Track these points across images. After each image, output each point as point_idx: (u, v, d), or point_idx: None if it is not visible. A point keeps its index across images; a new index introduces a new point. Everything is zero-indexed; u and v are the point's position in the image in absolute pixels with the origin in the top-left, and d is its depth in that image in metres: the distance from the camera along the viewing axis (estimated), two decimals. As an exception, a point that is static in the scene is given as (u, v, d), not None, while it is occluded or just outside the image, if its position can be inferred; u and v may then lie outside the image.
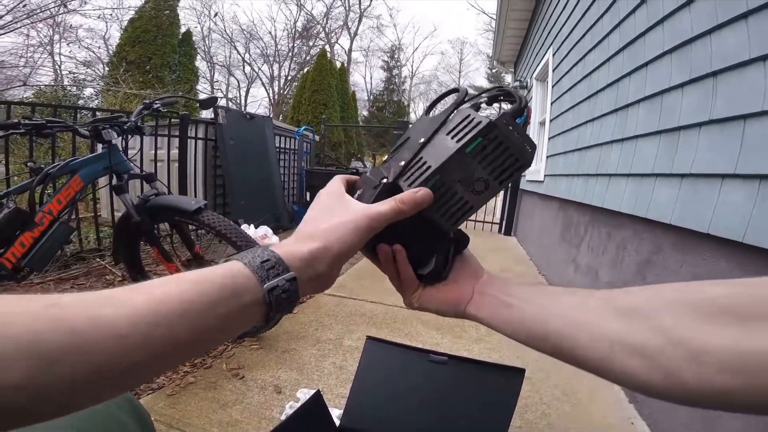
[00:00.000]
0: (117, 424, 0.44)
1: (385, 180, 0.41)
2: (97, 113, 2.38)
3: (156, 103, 1.72)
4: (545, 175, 3.44)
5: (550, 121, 3.55)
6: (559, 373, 1.50)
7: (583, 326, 0.34)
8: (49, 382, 0.22)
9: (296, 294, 0.33)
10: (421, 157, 0.41)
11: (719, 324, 0.27)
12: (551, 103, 3.56)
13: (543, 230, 3.41)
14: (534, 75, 4.52)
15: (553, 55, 3.52)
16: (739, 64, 1.04)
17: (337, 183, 0.43)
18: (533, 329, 0.38)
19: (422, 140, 0.41)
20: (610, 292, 0.35)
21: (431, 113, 0.47)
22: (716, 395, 0.27)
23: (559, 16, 3.32)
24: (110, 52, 11.80)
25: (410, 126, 0.48)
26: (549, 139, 3.51)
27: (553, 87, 3.55)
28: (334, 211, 0.38)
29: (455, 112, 0.42)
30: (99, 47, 14.49)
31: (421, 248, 0.44)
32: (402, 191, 0.40)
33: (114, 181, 1.61)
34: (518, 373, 0.88)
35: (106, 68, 10.25)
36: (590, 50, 2.41)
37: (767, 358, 0.25)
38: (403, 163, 0.41)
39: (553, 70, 3.52)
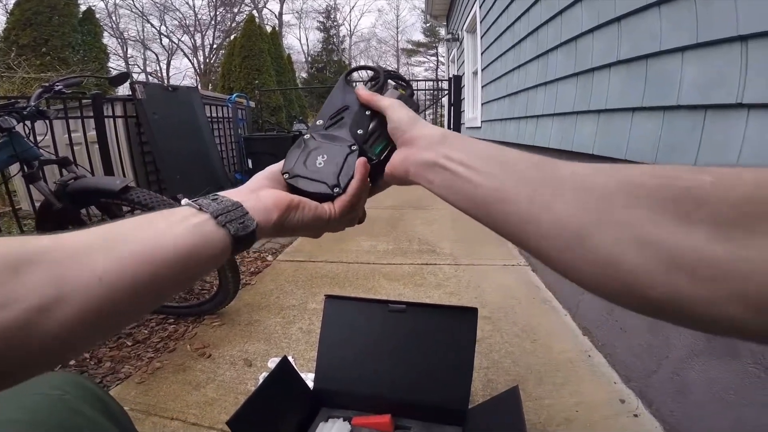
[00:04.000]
0: (80, 417, 0.43)
1: (354, 147, 0.47)
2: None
3: (58, 85, 1.56)
4: (482, 121, 3.57)
5: (482, 70, 3.65)
6: (516, 311, 1.62)
7: (546, 214, 0.28)
8: None
9: (235, 204, 0.35)
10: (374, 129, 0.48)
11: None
12: (481, 54, 3.66)
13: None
14: (464, 27, 4.58)
15: (480, 6, 3.58)
16: (639, 9, 1.11)
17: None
18: (485, 208, 0.33)
19: (368, 113, 0.49)
20: (572, 166, 0.30)
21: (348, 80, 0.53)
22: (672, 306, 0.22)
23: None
24: None
25: (336, 91, 0.52)
26: (482, 87, 3.62)
27: (481, 38, 3.63)
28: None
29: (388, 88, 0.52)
30: (-18, 33, 12.69)
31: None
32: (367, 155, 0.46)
33: (26, 171, 1.47)
34: (472, 313, 0.94)
35: None
36: (512, 1, 2.46)
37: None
38: (360, 131, 0.48)
39: (481, 22, 3.60)
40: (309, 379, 1.05)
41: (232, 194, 0.37)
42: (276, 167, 0.46)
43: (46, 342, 0.23)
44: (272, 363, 1.28)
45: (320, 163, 0.45)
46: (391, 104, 0.46)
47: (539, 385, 1.18)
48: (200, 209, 0.33)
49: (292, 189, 0.44)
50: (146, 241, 0.28)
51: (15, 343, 0.21)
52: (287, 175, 0.45)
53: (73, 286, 0.24)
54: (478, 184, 0.33)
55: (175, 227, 0.30)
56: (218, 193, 0.36)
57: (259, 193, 0.39)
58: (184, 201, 0.34)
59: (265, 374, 1.23)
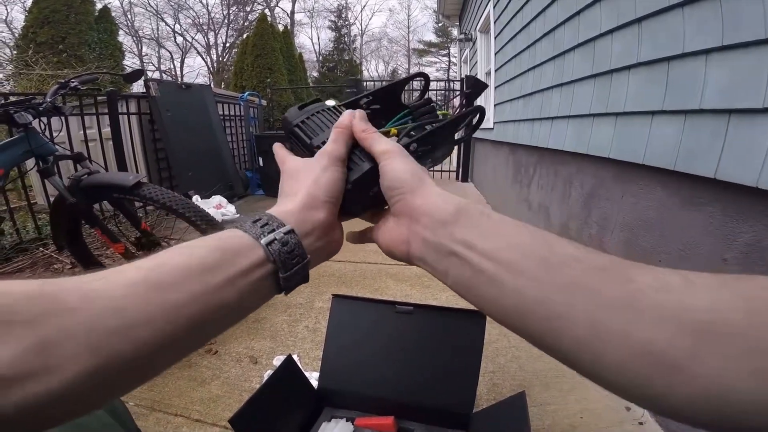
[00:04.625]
0: None
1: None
2: (10, 98, 2.15)
3: (73, 82, 1.58)
4: (494, 123, 3.54)
5: (495, 71, 3.63)
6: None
7: (619, 338, 0.22)
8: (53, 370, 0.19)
9: (299, 248, 0.31)
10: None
11: None
12: (495, 54, 3.64)
13: (496, 174, 3.53)
14: (477, 27, 4.54)
15: (494, 7, 3.56)
16: (661, 10, 1.09)
17: (283, 154, 0.42)
18: (525, 316, 0.25)
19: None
20: (658, 276, 0.23)
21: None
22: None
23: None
24: (15, 35, 10.81)
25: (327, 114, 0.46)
26: (495, 88, 3.60)
27: (495, 38, 3.61)
28: (299, 172, 0.37)
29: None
30: (1, 31, 13.16)
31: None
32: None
33: (40, 166, 1.49)
34: (481, 317, 0.92)
35: (14, 52, 9.42)
36: (528, 1, 2.44)
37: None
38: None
39: (495, 22, 3.57)
40: (313, 378, 1.04)
41: (299, 224, 0.32)
42: (335, 180, 0.36)
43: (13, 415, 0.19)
44: (277, 361, 1.28)
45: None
46: (389, 149, 0.35)
47: (545, 390, 1.17)
48: (273, 262, 0.29)
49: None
50: (200, 301, 0.25)
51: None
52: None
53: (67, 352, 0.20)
54: (512, 289, 0.25)
55: (237, 282, 0.27)
56: (291, 228, 0.31)
57: (332, 236, 0.35)
58: (251, 235, 0.30)
59: (270, 372, 1.22)
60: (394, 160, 0.34)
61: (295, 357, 0.97)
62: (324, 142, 0.39)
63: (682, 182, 1.03)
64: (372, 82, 6.94)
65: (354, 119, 0.38)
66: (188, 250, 0.27)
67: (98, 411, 0.44)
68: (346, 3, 28.09)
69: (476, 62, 4.87)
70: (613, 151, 1.32)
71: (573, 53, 1.72)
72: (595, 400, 1.12)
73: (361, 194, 0.38)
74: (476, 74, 4.85)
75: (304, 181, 0.35)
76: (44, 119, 1.52)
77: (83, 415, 0.22)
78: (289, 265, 0.30)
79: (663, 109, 1.07)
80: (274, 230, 0.30)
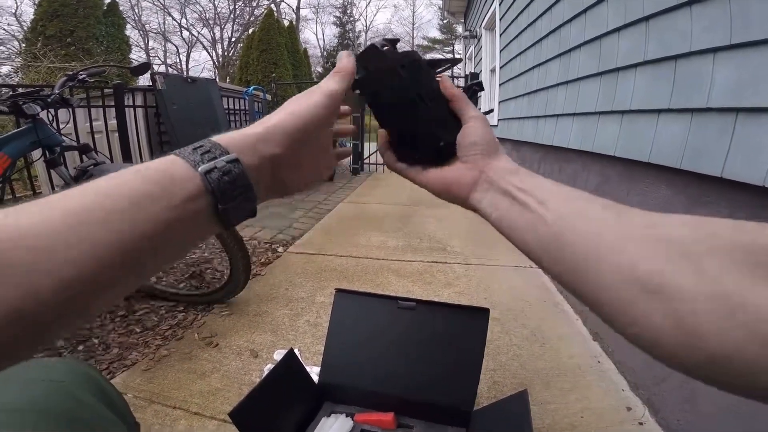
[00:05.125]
0: (80, 404, 0.43)
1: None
2: (19, 90, 2.17)
3: (81, 74, 1.59)
4: (498, 120, 3.53)
5: (500, 68, 3.63)
6: (526, 313, 1.59)
7: (611, 256, 0.27)
8: None
9: (243, 178, 0.29)
10: None
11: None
12: (500, 51, 3.63)
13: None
14: (483, 25, 4.53)
15: (500, 4, 3.55)
16: (668, 9, 1.08)
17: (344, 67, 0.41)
18: (548, 244, 0.31)
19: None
20: (649, 216, 0.28)
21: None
22: (738, 368, 0.21)
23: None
24: (24, 28, 10.89)
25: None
26: (500, 85, 3.59)
27: (500, 35, 3.60)
28: (293, 99, 0.37)
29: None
30: (9, 24, 13.22)
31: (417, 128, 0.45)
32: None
33: (47, 156, 1.49)
34: (483, 314, 0.92)
35: (23, 45, 9.49)
36: None
37: None
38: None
39: (500, 19, 3.57)
40: (314, 372, 1.04)
41: (246, 153, 0.31)
42: (314, 109, 0.36)
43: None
44: (278, 355, 1.28)
45: None
46: (478, 116, 0.43)
47: (545, 389, 1.16)
48: (211, 193, 0.27)
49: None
50: (128, 237, 0.23)
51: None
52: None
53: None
54: (547, 221, 0.32)
55: (172, 213, 0.25)
56: (236, 157, 0.30)
57: (290, 173, 0.35)
58: (190, 162, 0.28)
59: (270, 366, 1.23)
60: (483, 124, 0.42)
61: (296, 351, 0.97)
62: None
63: (688, 181, 1.02)
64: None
65: (444, 79, 0.44)
66: (120, 179, 0.25)
67: (91, 402, 0.44)
68: (350, -1, 28.10)
69: (481, 59, 4.84)
70: (618, 149, 1.31)
71: (579, 51, 1.71)
72: (596, 399, 1.12)
73: (436, 147, 0.43)
74: (480, 71, 4.82)
75: (284, 110, 0.35)
76: (52, 110, 1.53)
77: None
78: (229, 197, 0.28)
79: (669, 108, 1.06)
80: (215, 158, 0.28)
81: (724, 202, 0.91)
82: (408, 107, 0.43)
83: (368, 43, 0.46)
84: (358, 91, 0.45)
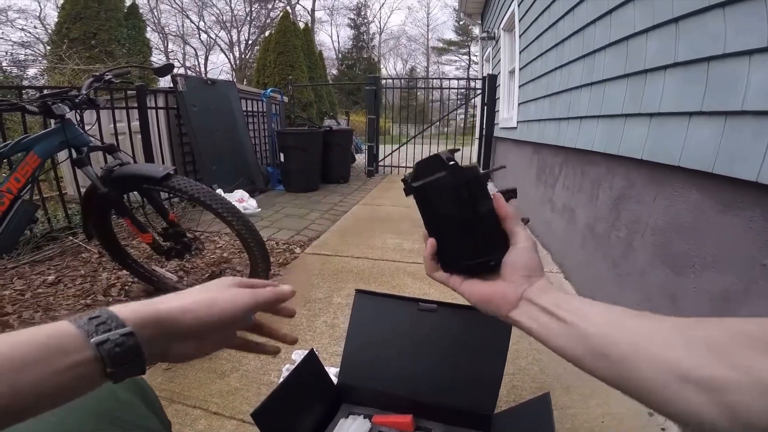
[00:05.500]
0: (116, 400, 0.44)
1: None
2: (45, 91, 2.23)
3: (107, 75, 1.62)
4: (518, 122, 3.48)
5: (520, 69, 3.58)
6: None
7: (650, 357, 0.31)
8: None
9: (137, 350, 0.31)
10: None
11: None
12: (519, 52, 3.59)
13: (518, 173, 3.47)
14: (501, 26, 4.47)
15: (519, 5, 3.50)
16: (699, 10, 1.05)
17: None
18: (592, 351, 0.35)
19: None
20: (680, 320, 0.33)
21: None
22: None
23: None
24: (49, 31, 11.22)
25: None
26: (519, 87, 3.54)
27: (520, 36, 3.55)
28: (210, 287, 0.40)
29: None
30: (35, 27, 13.67)
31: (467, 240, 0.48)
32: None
33: (74, 156, 1.53)
34: (505, 316, 0.91)
35: (48, 47, 9.78)
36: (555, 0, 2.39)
37: None
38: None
39: (519, 21, 3.52)
40: (331, 373, 1.04)
41: (145, 325, 0.33)
42: (220, 311, 0.39)
43: None
44: (296, 355, 1.28)
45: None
46: (528, 241, 0.46)
47: (566, 394, 1.15)
48: (95, 359, 0.30)
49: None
50: (16, 393, 0.27)
51: None
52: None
53: None
54: (587, 332, 0.36)
55: (58, 378, 0.28)
56: (123, 321, 0.32)
57: (190, 347, 0.37)
58: (83, 334, 0.30)
59: (289, 366, 1.23)
60: (531, 249, 0.45)
61: (315, 352, 0.97)
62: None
63: (720, 185, 0.99)
64: (390, 80, 6.90)
65: (497, 198, 0.48)
66: (9, 343, 0.28)
67: (132, 399, 0.45)
68: (365, 1, 28.20)
69: (499, 60, 4.79)
70: (646, 152, 1.28)
71: (604, 52, 1.67)
72: (617, 404, 1.10)
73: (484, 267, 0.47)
74: (499, 72, 4.78)
75: (205, 293, 0.39)
76: (78, 111, 1.56)
77: None
78: (119, 362, 0.30)
79: (702, 110, 1.02)
80: (110, 330, 0.30)
81: (758, 208, 0.88)
82: (464, 222, 0.45)
83: (431, 153, 0.47)
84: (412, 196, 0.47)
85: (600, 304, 0.39)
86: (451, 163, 0.44)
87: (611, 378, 0.34)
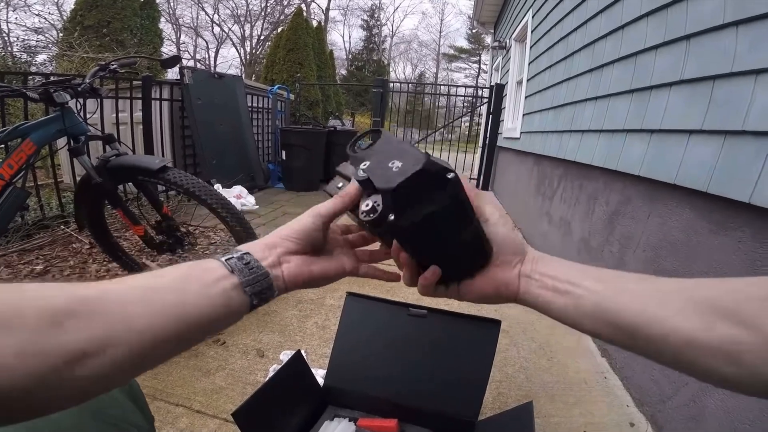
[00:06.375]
0: (107, 398, 0.44)
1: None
2: (51, 78, 2.23)
3: (113, 64, 1.61)
4: (521, 132, 3.50)
5: (527, 80, 3.59)
6: (535, 327, 1.57)
7: (659, 321, 0.32)
8: None
9: (255, 262, 0.37)
10: None
11: None
12: (528, 64, 3.60)
13: (518, 184, 3.47)
14: (513, 36, 4.49)
15: (533, 17, 3.52)
16: (713, 28, 1.05)
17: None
18: (601, 320, 0.36)
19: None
20: (680, 282, 0.34)
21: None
22: None
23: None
24: (64, 17, 11.21)
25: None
26: (525, 98, 3.56)
27: (531, 48, 3.57)
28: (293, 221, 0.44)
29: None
30: (51, 13, 13.72)
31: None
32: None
33: (72, 145, 1.53)
34: (495, 325, 0.91)
35: (60, 34, 9.75)
36: (568, 13, 2.40)
37: None
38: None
39: (532, 32, 3.54)
40: (319, 375, 1.04)
41: (257, 251, 0.38)
42: (304, 225, 0.42)
43: (79, 384, 0.26)
44: (284, 356, 1.28)
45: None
46: (495, 210, 0.44)
47: (550, 402, 1.16)
48: (232, 272, 0.35)
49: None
50: (180, 305, 0.31)
51: (51, 385, 0.24)
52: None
53: (112, 338, 0.27)
54: (591, 300, 0.36)
55: (209, 290, 0.33)
56: (247, 251, 0.38)
57: (282, 267, 0.39)
58: (216, 258, 0.36)
59: (276, 366, 1.22)
60: (504, 225, 0.43)
61: (302, 353, 0.97)
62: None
63: (713, 205, 0.99)
64: (398, 83, 6.91)
65: (468, 184, 0.44)
66: (161, 272, 0.34)
67: (117, 394, 0.46)
68: (379, 3, 28.30)
69: (508, 70, 4.80)
70: (644, 168, 1.28)
71: (612, 67, 1.68)
72: (600, 414, 1.11)
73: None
74: (506, 82, 4.79)
75: (284, 228, 0.43)
76: (80, 100, 1.56)
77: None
78: (246, 273, 0.36)
79: (702, 129, 1.02)
80: (233, 255, 0.37)
81: (748, 229, 0.88)
82: (463, 234, 0.40)
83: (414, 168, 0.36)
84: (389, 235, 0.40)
85: (597, 269, 0.39)
86: (450, 176, 0.37)
87: (620, 342, 0.35)
